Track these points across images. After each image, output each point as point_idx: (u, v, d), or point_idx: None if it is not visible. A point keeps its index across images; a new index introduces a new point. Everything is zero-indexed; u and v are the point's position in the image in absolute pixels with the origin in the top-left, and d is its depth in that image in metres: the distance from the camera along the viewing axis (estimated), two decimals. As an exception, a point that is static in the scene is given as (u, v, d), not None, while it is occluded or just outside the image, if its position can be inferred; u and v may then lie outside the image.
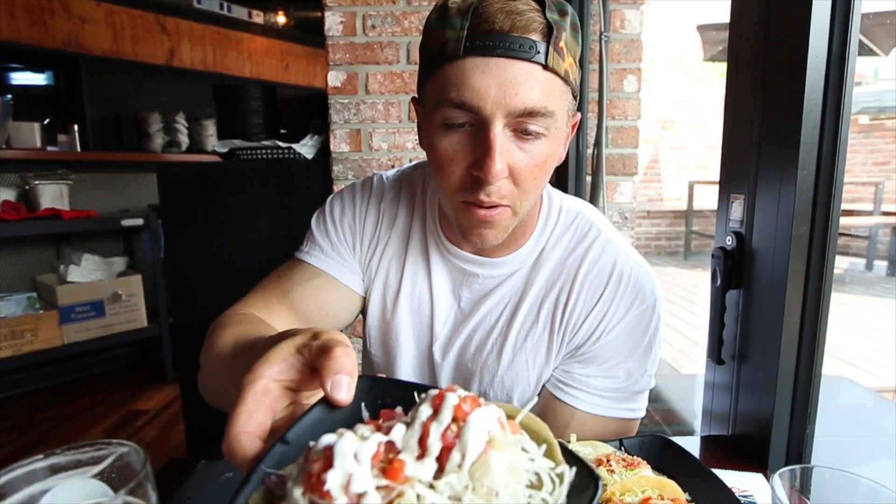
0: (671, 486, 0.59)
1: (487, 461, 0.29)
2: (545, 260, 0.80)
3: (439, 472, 0.29)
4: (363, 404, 0.40)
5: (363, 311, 0.90)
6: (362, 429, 0.32)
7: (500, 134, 0.62)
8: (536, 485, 0.31)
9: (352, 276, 0.86)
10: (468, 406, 0.31)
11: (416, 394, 0.39)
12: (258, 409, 0.38)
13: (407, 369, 0.88)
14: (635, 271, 0.77)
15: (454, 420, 0.30)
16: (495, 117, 0.61)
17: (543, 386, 0.83)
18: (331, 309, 0.85)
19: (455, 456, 0.29)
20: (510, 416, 0.34)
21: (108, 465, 0.43)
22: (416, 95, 0.74)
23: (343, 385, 0.38)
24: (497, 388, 0.83)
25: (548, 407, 0.81)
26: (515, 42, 0.60)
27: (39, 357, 2.84)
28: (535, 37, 0.61)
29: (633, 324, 0.77)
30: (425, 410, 0.31)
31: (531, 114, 0.62)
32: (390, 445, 0.30)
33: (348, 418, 0.38)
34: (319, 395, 0.40)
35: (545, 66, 0.61)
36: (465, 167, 0.65)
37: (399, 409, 0.38)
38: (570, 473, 0.32)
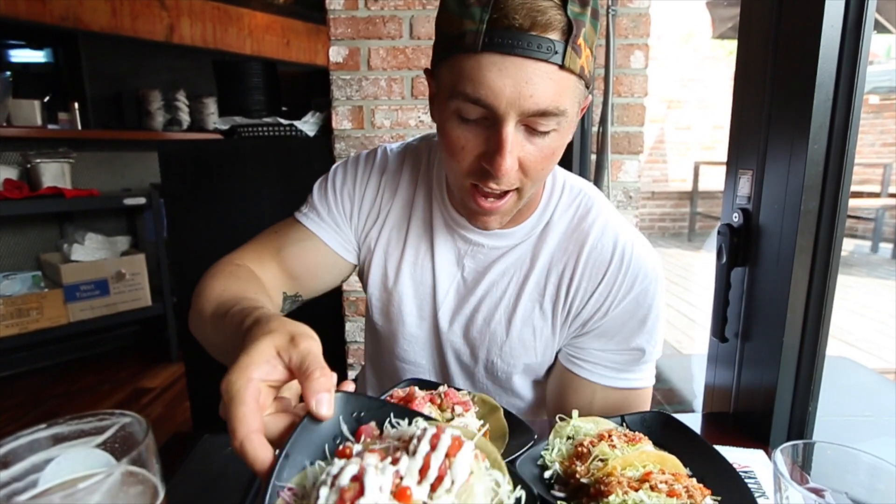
0: (672, 461, 0.59)
1: (471, 487, 0.41)
2: (550, 232, 0.82)
3: (430, 491, 0.39)
4: (341, 417, 0.48)
5: (364, 279, 0.93)
6: (370, 457, 0.41)
7: (512, 132, 0.63)
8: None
9: (343, 244, 0.89)
10: (457, 444, 0.42)
11: (391, 414, 0.50)
12: (256, 409, 0.44)
13: (410, 338, 0.91)
14: (637, 250, 0.79)
15: (446, 455, 0.41)
16: (509, 116, 0.62)
17: (556, 360, 0.86)
18: (318, 270, 0.89)
19: (447, 482, 0.40)
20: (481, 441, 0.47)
21: (110, 434, 0.43)
22: (430, 68, 0.74)
23: (324, 403, 0.45)
24: (505, 357, 0.85)
25: (570, 385, 0.84)
26: (534, 42, 0.59)
27: (45, 335, 2.86)
28: (554, 35, 0.60)
29: (640, 299, 0.79)
30: (425, 446, 0.41)
31: (544, 114, 0.63)
32: (397, 473, 0.39)
33: (330, 429, 0.47)
34: (293, 386, 0.49)
35: (562, 66, 0.61)
36: (476, 157, 0.67)
37: (373, 424, 0.49)
38: (522, 495, 0.45)
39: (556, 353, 0.87)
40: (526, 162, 0.67)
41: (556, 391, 0.88)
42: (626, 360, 0.82)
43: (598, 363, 0.82)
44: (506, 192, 0.70)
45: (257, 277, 0.81)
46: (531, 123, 0.64)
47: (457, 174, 0.71)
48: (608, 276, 0.79)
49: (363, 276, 0.93)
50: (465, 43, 0.61)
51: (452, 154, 0.68)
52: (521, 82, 0.60)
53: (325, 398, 0.45)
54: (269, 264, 0.85)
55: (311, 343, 0.48)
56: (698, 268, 5.38)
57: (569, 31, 0.60)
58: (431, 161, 0.88)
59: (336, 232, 0.88)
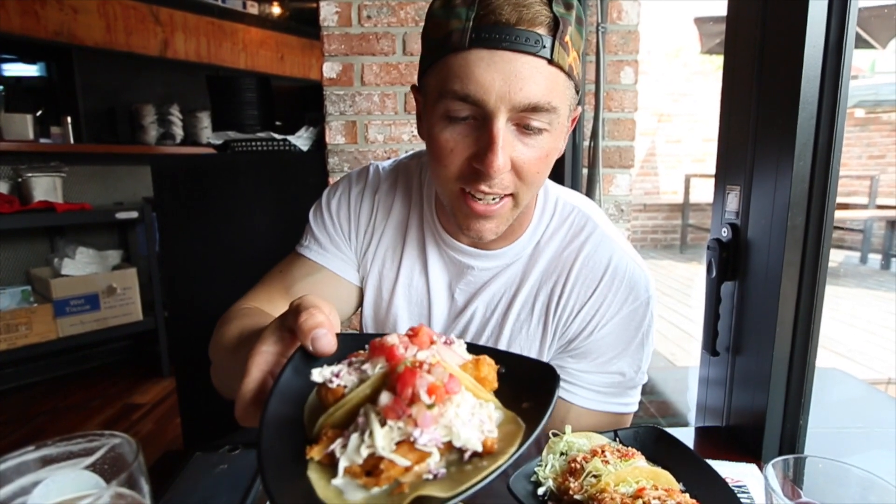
0: (665, 477, 0.59)
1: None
2: (541, 252, 0.80)
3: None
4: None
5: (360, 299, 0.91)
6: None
7: (503, 128, 0.61)
8: None
9: (350, 269, 0.87)
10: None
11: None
12: (261, 378, 0.45)
13: None
14: (630, 268, 0.77)
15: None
16: (499, 111, 0.61)
17: None
18: (332, 302, 0.86)
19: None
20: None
21: (100, 456, 0.43)
22: (417, 84, 0.73)
23: (319, 339, 0.44)
24: None
25: None
26: (522, 35, 0.59)
27: (34, 351, 2.82)
28: (542, 31, 0.60)
29: (627, 320, 0.77)
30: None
31: (535, 109, 0.61)
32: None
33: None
34: None
35: (550, 61, 0.60)
36: (466, 159, 0.65)
37: None
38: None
39: None
40: (519, 164, 0.64)
41: None
42: (606, 382, 0.79)
43: (575, 383, 0.80)
44: (500, 198, 0.67)
45: (271, 317, 0.80)
46: (522, 120, 0.62)
47: (446, 180, 0.68)
48: (598, 291, 0.77)
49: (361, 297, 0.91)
50: (452, 42, 0.60)
51: (441, 159, 0.66)
52: (511, 76, 0.59)
53: (321, 333, 0.44)
54: (281, 304, 0.81)
55: (307, 298, 0.47)
56: (691, 279, 5.41)
57: (555, 27, 0.60)
58: (422, 181, 0.86)
59: (341, 259, 0.86)
